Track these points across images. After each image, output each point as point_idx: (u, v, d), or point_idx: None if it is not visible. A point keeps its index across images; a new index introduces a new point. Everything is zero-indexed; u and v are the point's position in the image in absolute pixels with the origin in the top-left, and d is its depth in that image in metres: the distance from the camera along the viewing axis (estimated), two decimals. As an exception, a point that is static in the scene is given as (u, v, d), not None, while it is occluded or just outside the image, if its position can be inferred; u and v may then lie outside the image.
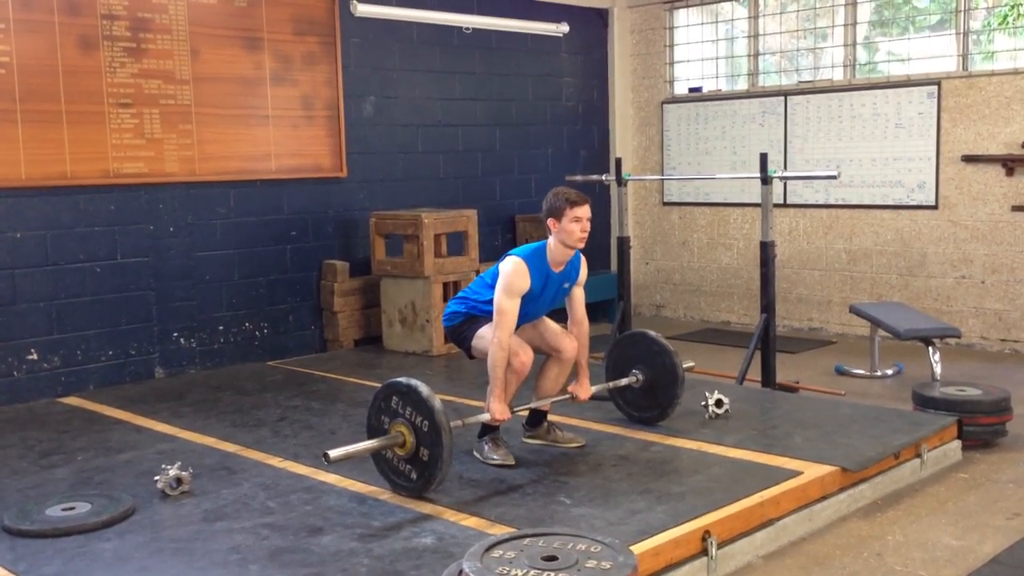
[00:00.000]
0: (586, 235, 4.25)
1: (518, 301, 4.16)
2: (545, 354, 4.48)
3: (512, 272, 4.17)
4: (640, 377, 4.84)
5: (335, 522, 3.71)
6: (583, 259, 4.46)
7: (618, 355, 5.00)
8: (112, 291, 6.24)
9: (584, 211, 4.23)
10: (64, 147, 5.98)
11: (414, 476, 3.90)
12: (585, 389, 4.48)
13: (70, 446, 4.86)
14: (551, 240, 4.27)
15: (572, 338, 4.42)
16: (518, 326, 4.27)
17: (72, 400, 5.90)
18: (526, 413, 4.54)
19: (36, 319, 5.95)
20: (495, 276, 4.24)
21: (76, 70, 6.00)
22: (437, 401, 3.84)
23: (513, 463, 4.23)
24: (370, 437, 4.01)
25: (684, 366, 4.86)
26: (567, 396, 4.50)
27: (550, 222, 4.25)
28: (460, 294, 4.54)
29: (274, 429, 5.09)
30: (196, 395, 5.91)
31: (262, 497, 4.01)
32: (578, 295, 4.47)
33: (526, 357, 4.18)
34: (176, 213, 6.53)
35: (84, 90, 6.04)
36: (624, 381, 4.86)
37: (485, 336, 4.23)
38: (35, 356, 5.95)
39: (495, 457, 4.25)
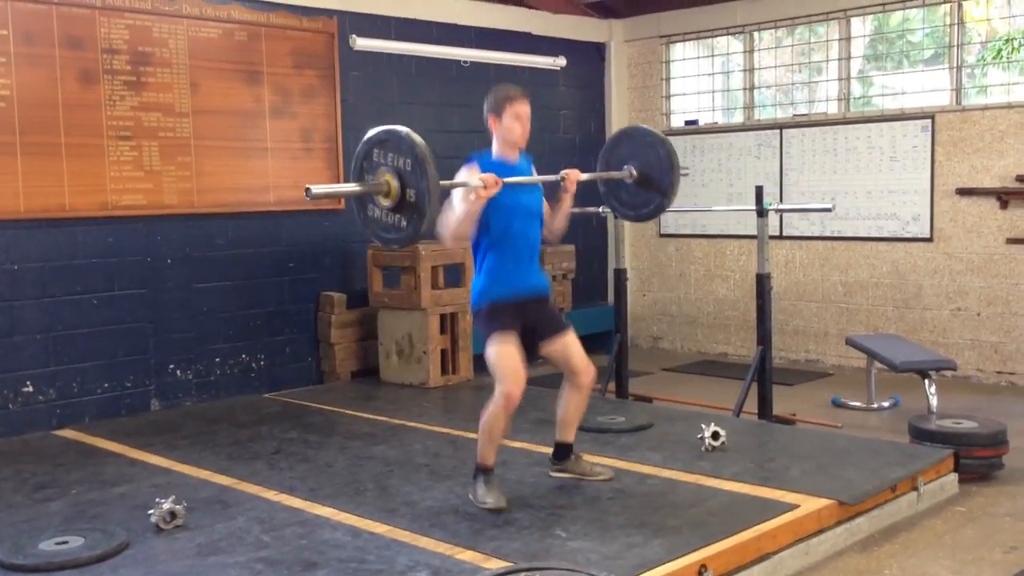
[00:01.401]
0: (527, 133, 4.24)
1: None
2: (563, 374, 4.42)
3: (462, 172, 4.12)
4: (634, 172, 4.78)
5: (330, 556, 3.69)
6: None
7: (609, 158, 4.93)
8: (109, 323, 6.25)
9: (524, 108, 4.24)
10: (63, 179, 6.00)
11: (404, 223, 3.82)
12: (576, 173, 4.39)
13: (64, 479, 4.84)
14: (494, 143, 4.27)
15: (593, 370, 4.38)
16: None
17: (67, 432, 5.89)
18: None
19: (32, 351, 5.94)
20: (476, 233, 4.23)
21: (76, 103, 6.04)
22: (418, 137, 3.78)
23: (505, 506, 4.14)
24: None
25: (681, 171, 4.80)
26: (559, 177, 4.38)
27: (491, 120, 4.25)
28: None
29: (270, 462, 5.07)
30: (192, 428, 5.89)
31: (257, 531, 3.99)
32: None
33: (516, 389, 4.08)
34: (174, 245, 6.54)
35: (84, 123, 6.07)
36: (617, 175, 4.80)
37: (495, 351, 4.16)
38: (31, 388, 5.94)
39: (488, 500, 4.18)
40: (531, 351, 4.28)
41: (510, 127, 4.21)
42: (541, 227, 4.41)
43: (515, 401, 4.10)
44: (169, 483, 4.68)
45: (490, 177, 3.98)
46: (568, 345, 4.37)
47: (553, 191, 4.41)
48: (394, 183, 3.79)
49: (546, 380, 6.06)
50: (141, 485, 4.68)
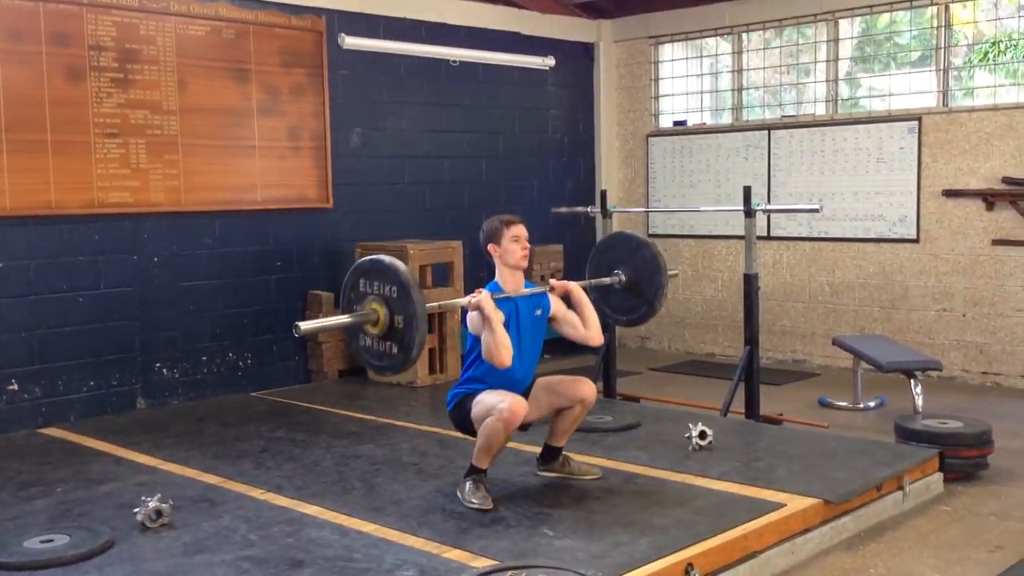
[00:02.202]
0: (527, 254, 4.29)
1: None
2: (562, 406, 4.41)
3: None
4: (623, 277, 4.82)
5: (317, 555, 3.68)
6: (551, 297, 4.43)
7: (598, 263, 4.99)
8: (95, 321, 6.22)
9: (521, 230, 4.30)
10: (49, 176, 5.97)
11: (394, 350, 3.86)
12: (564, 283, 4.45)
13: (50, 477, 4.82)
14: (497, 270, 4.31)
15: (589, 382, 4.38)
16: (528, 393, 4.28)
17: (53, 431, 5.86)
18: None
19: (17, 349, 5.91)
20: (470, 341, 4.26)
21: (63, 100, 6.01)
22: (402, 264, 3.83)
23: (491, 507, 4.13)
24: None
25: (669, 273, 4.89)
26: (548, 288, 4.41)
27: (490, 248, 4.30)
28: None
29: (257, 461, 5.06)
30: (178, 426, 5.87)
31: (243, 529, 3.98)
32: (569, 313, 4.43)
33: (519, 407, 4.06)
34: (161, 243, 6.52)
35: (70, 120, 6.04)
36: (607, 280, 4.85)
37: (483, 401, 4.16)
38: (16, 387, 5.91)
39: (474, 500, 4.17)
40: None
41: (510, 249, 4.26)
42: (535, 363, 4.42)
43: (517, 417, 4.06)
44: (155, 481, 4.66)
45: (475, 296, 4.06)
46: (546, 383, 4.39)
47: (568, 304, 4.46)
48: (382, 311, 3.86)
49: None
50: (127, 483, 4.66)
